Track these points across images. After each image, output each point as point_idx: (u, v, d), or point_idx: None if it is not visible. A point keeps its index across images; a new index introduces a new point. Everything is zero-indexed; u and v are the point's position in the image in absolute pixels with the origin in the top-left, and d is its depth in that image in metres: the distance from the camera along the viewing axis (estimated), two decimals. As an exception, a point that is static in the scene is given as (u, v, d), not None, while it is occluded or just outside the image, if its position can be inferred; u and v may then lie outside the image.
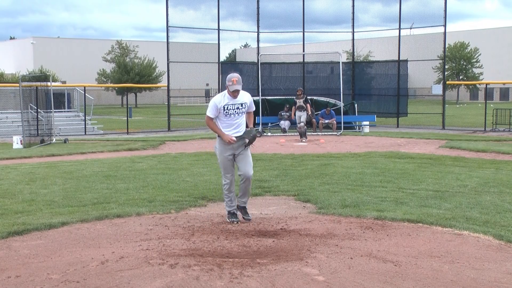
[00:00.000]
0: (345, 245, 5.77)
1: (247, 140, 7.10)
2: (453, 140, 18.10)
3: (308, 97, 21.96)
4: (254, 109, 7.45)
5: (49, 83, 22.81)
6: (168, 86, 26.08)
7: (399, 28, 26.39)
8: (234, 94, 7.01)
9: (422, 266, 5.10)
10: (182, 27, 26.14)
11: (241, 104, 7.13)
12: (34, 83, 23.03)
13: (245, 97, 7.20)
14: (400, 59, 26.42)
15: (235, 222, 6.91)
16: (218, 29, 26.45)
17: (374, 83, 28.79)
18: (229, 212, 7.15)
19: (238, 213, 7.13)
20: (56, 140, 19.63)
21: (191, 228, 6.53)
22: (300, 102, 20.14)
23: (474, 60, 67.20)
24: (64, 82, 45.52)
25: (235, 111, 7.08)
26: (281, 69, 28.01)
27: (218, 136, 7.11)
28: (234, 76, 7.00)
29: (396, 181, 9.83)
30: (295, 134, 20.51)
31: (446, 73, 40.23)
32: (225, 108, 7.04)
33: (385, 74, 27.85)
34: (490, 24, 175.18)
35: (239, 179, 7.13)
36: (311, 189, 9.07)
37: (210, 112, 7.09)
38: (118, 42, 68.94)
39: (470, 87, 67.56)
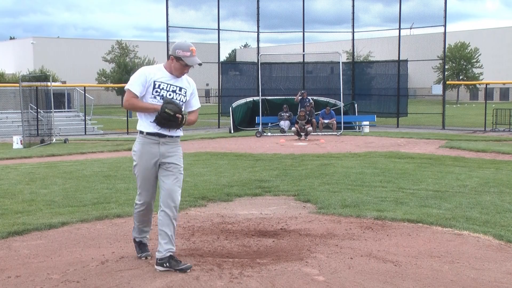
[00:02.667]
0: (345, 245, 5.77)
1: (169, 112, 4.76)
2: (453, 140, 18.10)
3: (313, 109, 21.83)
4: (197, 107, 5.10)
5: (49, 83, 22.82)
6: (168, 86, 26.06)
7: (399, 28, 26.41)
8: (183, 71, 4.90)
9: (422, 266, 5.09)
10: (183, 27, 26.18)
11: (180, 89, 4.93)
12: (34, 83, 23.09)
13: (187, 83, 5.03)
14: (400, 59, 26.43)
15: (143, 257, 5.19)
16: (218, 29, 26.47)
17: (374, 83, 28.80)
18: (135, 241, 5.30)
19: (149, 244, 5.37)
20: (56, 140, 19.64)
21: (191, 228, 6.53)
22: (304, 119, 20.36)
23: (474, 60, 67.18)
24: (64, 82, 45.49)
25: (170, 95, 4.89)
26: (281, 69, 28.02)
27: (140, 132, 4.92)
28: (192, 45, 4.88)
29: (396, 181, 9.83)
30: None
31: (446, 73, 40.21)
32: (155, 85, 4.85)
33: (385, 74, 27.86)
34: (490, 24, 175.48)
35: (159, 206, 4.95)
36: (311, 189, 9.06)
37: (133, 86, 4.82)
38: (118, 42, 68.92)
39: (470, 87, 67.56)
